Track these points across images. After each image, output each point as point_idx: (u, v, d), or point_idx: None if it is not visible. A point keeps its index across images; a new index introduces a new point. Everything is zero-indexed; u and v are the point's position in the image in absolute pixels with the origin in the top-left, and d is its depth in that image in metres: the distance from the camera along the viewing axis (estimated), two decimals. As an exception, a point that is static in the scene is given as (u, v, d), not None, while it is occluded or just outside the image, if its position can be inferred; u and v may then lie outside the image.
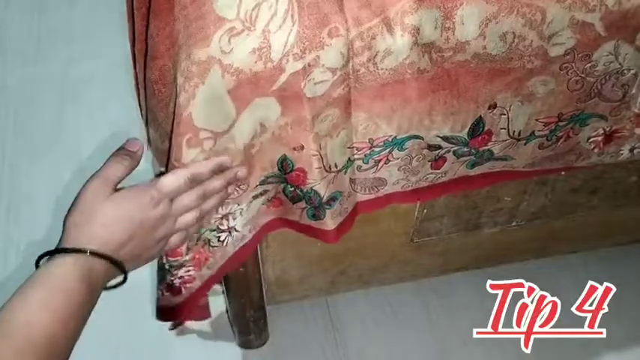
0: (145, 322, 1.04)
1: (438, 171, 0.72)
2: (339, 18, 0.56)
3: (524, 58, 0.61)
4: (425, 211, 0.87)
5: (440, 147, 0.68)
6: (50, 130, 1.38)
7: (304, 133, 0.61)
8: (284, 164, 0.65)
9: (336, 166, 0.66)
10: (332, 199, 0.69)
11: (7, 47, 1.54)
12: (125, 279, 0.59)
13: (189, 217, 0.62)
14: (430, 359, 1.09)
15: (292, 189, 0.68)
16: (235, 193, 0.66)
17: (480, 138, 0.67)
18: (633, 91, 0.67)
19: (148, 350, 1.06)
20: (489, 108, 0.65)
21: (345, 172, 0.68)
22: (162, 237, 0.61)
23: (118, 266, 0.57)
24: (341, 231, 0.74)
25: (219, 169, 0.62)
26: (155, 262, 0.71)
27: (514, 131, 0.68)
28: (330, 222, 0.72)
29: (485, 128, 0.67)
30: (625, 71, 0.64)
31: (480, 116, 0.65)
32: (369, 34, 0.57)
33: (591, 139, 0.72)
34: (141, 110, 0.71)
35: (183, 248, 0.69)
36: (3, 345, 0.48)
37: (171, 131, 0.59)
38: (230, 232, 0.70)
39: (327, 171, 0.65)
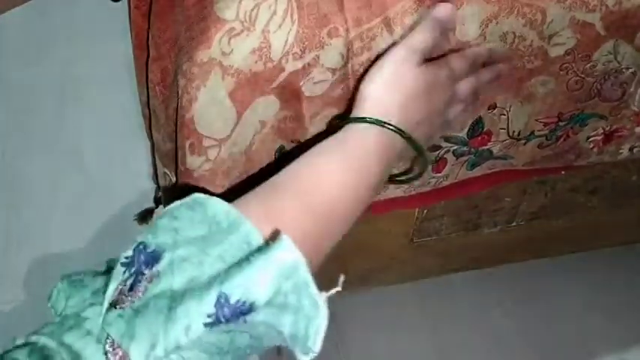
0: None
1: (439, 174, 0.72)
2: (338, 18, 0.56)
3: (524, 58, 0.61)
4: (425, 211, 0.87)
5: (440, 147, 0.68)
6: (50, 130, 1.38)
7: (301, 129, 0.61)
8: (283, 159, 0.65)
9: None
10: None
11: (7, 47, 1.54)
12: (423, 168, 0.55)
13: (458, 109, 0.57)
14: (430, 359, 1.09)
15: None
16: None
17: (480, 138, 0.68)
18: (632, 89, 0.67)
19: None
20: (489, 108, 0.65)
21: None
22: (441, 123, 0.56)
23: (418, 150, 0.52)
24: None
25: (490, 60, 0.58)
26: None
27: (514, 131, 0.68)
28: None
29: (485, 128, 0.67)
30: (624, 70, 0.64)
31: (480, 116, 0.65)
32: (368, 35, 0.57)
33: (591, 139, 0.72)
34: (142, 110, 0.71)
35: None
36: (282, 200, 0.45)
37: (175, 134, 0.59)
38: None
39: None
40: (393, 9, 0.56)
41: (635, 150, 0.75)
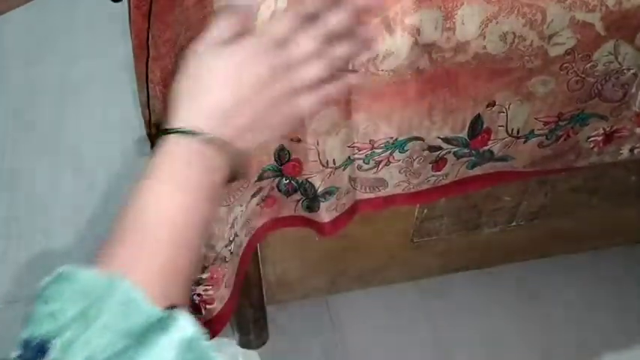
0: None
1: (439, 173, 0.72)
2: (338, 18, 0.56)
3: (524, 58, 0.61)
4: (425, 211, 0.87)
5: (440, 148, 0.68)
6: (50, 130, 1.38)
7: (301, 127, 0.61)
8: (281, 155, 0.64)
9: (334, 162, 0.66)
10: (327, 192, 0.69)
11: (7, 47, 1.54)
12: (239, 171, 0.50)
13: (313, 68, 0.49)
14: (430, 359, 1.09)
15: (287, 181, 0.68)
16: (238, 192, 0.66)
17: (480, 137, 0.67)
18: (633, 90, 0.67)
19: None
20: (488, 106, 0.65)
21: (344, 169, 0.68)
22: (277, 96, 0.49)
23: (225, 150, 0.48)
24: (337, 225, 0.74)
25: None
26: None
27: (512, 129, 0.68)
28: (325, 215, 0.72)
29: (484, 126, 0.67)
30: (625, 71, 0.64)
31: (479, 114, 0.65)
32: (368, 35, 0.57)
33: (591, 139, 0.72)
34: (142, 110, 0.71)
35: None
36: (133, 246, 0.44)
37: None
38: (235, 239, 0.70)
39: (323, 165, 0.65)
40: (392, 9, 0.56)
41: (635, 151, 0.75)
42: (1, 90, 1.45)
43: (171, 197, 0.46)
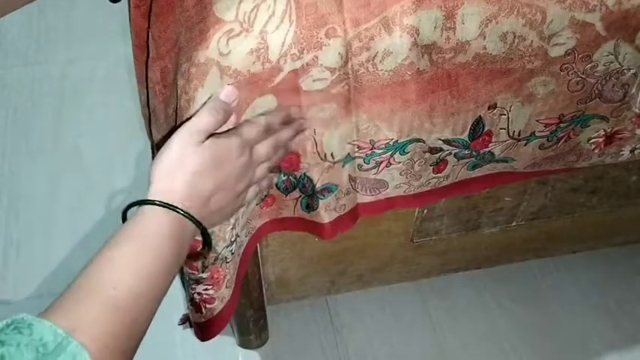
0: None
1: (439, 175, 0.72)
2: (336, 18, 0.56)
3: (524, 58, 0.61)
4: (425, 211, 0.87)
5: (441, 149, 0.68)
6: (50, 130, 1.38)
7: (299, 117, 0.61)
8: None
9: (332, 156, 0.66)
10: (326, 189, 0.69)
11: (7, 47, 1.54)
12: (209, 244, 0.59)
13: (263, 168, 0.60)
14: (430, 359, 1.09)
15: (285, 177, 0.68)
16: None
17: (481, 139, 0.67)
18: (633, 90, 0.67)
19: (149, 349, 1.06)
20: (489, 108, 0.65)
21: (344, 166, 0.68)
22: (243, 189, 0.59)
23: (202, 230, 0.55)
24: (337, 228, 0.74)
25: (288, 120, 0.61)
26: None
27: (514, 131, 0.68)
28: (324, 215, 0.71)
29: (485, 129, 0.67)
30: (625, 71, 0.64)
31: (480, 116, 0.65)
32: (366, 35, 0.57)
33: (592, 140, 0.72)
34: (142, 110, 0.71)
35: (199, 264, 0.68)
36: (88, 306, 0.46)
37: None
38: (236, 240, 0.70)
39: (321, 158, 0.65)
40: (391, 9, 0.56)
41: (636, 152, 0.75)
42: (1, 90, 1.45)
43: (136, 264, 0.49)
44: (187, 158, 0.53)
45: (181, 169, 0.53)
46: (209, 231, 0.57)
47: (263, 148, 0.59)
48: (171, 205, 0.52)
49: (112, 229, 0.51)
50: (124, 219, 0.54)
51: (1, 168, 1.32)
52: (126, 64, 1.46)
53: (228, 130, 0.57)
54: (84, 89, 1.45)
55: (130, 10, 0.59)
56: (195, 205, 0.53)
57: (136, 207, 0.53)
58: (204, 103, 0.57)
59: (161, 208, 0.52)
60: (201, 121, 0.55)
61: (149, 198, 0.52)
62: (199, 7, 0.56)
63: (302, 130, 0.63)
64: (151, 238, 0.51)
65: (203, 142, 0.54)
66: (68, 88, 1.45)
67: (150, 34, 0.59)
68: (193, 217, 0.53)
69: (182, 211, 0.52)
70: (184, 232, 0.53)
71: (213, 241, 0.66)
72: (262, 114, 0.59)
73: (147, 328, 0.50)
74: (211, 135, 0.55)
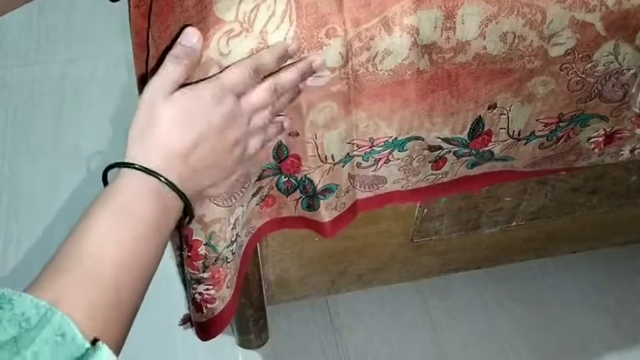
0: (146, 321, 1.04)
1: (438, 172, 0.72)
2: (336, 18, 0.56)
3: (524, 58, 0.61)
4: (425, 211, 0.87)
5: (440, 147, 0.68)
6: (50, 130, 1.38)
7: (299, 120, 0.61)
8: (279, 151, 0.64)
9: (332, 158, 0.66)
10: (327, 190, 0.69)
11: (7, 47, 1.54)
12: (191, 214, 0.52)
13: (262, 117, 0.55)
14: (430, 359, 1.09)
15: (286, 179, 0.68)
16: (239, 193, 0.66)
17: (480, 139, 0.67)
18: (633, 90, 0.67)
19: (149, 349, 1.06)
20: (489, 108, 0.65)
21: (343, 166, 0.68)
22: (235, 140, 0.53)
23: (184, 198, 0.51)
24: (337, 226, 0.74)
25: (285, 56, 0.55)
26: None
27: (514, 131, 0.68)
28: (324, 214, 0.72)
29: (485, 128, 0.67)
30: (625, 71, 0.64)
31: (480, 116, 0.65)
32: (367, 35, 0.57)
33: (592, 140, 0.72)
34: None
35: (200, 264, 0.68)
36: (69, 277, 0.44)
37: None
38: (236, 240, 0.70)
39: (322, 161, 0.65)
40: (391, 9, 0.56)
41: (636, 151, 0.75)
42: (1, 90, 1.45)
43: (121, 228, 0.47)
44: (156, 114, 0.50)
45: (152, 127, 0.49)
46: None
47: (255, 95, 0.54)
48: (142, 167, 0.48)
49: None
50: (105, 182, 0.51)
51: (1, 168, 1.32)
52: (126, 64, 1.46)
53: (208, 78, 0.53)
54: (84, 89, 1.45)
55: (130, 10, 0.59)
56: (172, 165, 0.49)
57: (116, 169, 0.50)
58: None
59: (136, 170, 0.48)
60: (165, 72, 0.51)
61: (127, 161, 0.49)
62: (199, 7, 0.56)
63: (308, 73, 0.56)
64: (127, 203, 0.47)
65: (172, 94, 0.50)
66: (68, 88, 1.45)
67: (150, 33, 0.59)
68: (163, 176, 0.49)
69: (154, 172, 0.48)
70: (163, 195, 0.49)
71: (214, 242, 0.66)
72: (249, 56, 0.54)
73: (138, 300, 0.48)
74: (183, 85, 0.51)
